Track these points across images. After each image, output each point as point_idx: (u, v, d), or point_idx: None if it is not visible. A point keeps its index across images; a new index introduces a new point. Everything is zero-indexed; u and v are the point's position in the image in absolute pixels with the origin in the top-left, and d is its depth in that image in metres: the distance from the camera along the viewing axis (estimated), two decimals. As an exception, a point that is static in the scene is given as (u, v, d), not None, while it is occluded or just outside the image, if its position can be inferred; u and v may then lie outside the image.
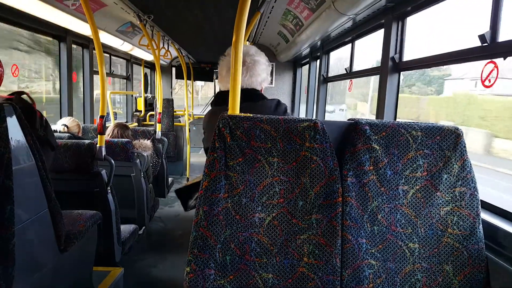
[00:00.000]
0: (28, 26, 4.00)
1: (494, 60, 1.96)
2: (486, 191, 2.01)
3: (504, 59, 1.92)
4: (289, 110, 2.25)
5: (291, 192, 1.51)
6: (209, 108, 2.25)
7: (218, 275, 1.46)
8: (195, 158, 9.19)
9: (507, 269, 1.50)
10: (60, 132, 3.80)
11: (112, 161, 3.19)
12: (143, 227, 4.19)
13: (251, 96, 2.08)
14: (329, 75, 5.19)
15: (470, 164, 1.57)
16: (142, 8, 4.44)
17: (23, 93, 2.13)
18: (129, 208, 4.04)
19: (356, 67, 4.15)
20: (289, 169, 1.51)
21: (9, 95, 2.09)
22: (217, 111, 1.91)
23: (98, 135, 3.23)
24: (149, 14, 4.63)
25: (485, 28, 2.00)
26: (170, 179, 6.01)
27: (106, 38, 5.22)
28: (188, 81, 8.25)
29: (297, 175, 1.51)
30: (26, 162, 1.86)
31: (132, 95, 8.30)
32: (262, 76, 2.14)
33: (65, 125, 3.89)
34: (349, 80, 4.43)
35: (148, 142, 4.57)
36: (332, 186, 1.49)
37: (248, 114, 1.55)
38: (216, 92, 2.19)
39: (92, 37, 3.36)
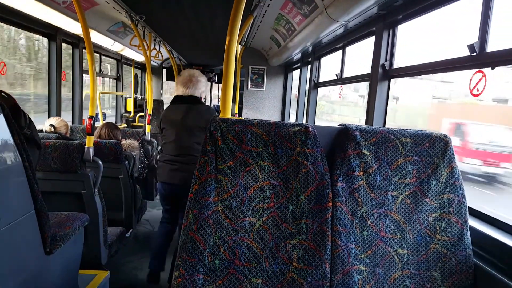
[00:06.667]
0: (18, 23, 3.95)
1: (482, 69, 1.99)
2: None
3: (492, 69, 1.94)
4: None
5: (281, 196, 1.51)
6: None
7: (207, 280, 1.45)
8: None
9: (494, 276, 1.52)
10: (46, 132, 3.74)
11: (100, 163, 3.16)
12: (130, 230, 4.15)
13: (193, 101, 3.31)
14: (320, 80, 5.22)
15: (459, 171, 1.58)
16: (134, 8, 4.42)
17: (1, 91, 2.10)
18: (116, 210, 4.00)
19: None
20: (280, 174, 1.51)
21: None
22: (172, 107, 3.36)
23: (87, 136, 3.20)
24: (141, 14, 4.61)
25: (474, 38, 2.02)
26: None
27: (97, 37, 5.19)
28: None
29: (288, 179, 1.51)
30: (12, 162, 1.83)
31: (121, 96, 8.25)
32: (202, 89, 3.37)
33: (52, 125, 3.83)
34: (339, 86, 4.46)
35: (135, 142, 4.54)
36: (322, 191, 1.50)
37: (240, 118, 1.55)
38: (175, 95, 3.39)
39: (82, 36, 3.33)
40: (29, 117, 2.19)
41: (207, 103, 12.20)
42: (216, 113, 3.34)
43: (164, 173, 3.33)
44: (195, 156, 3.23)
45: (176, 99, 3.34)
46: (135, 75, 8.67)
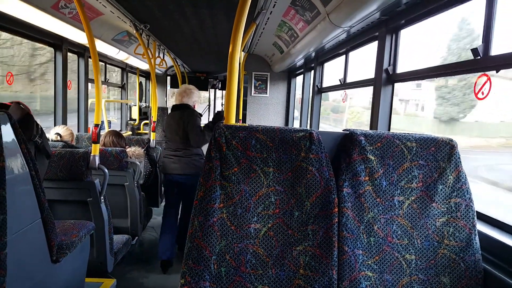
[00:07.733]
0: (25, 34, 3.99)
1: (486, 73, 1.99)
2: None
3: (497, 72, 1.94)
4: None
5: (286, 202, 1.50)
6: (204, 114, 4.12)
7: (213, 287, 1.45)
8: None
9: (504, 281, 1.50)
10: (53, 140, 3.77)
11: (106, 171, 3.17)
12: (136, 237, 4.15)
13: (183, 107, 4.13)
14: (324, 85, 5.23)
15: (465, 175, 1.58)
16: (139, 18, 4.46)
17: (19, 102, 2.14)
18: (122, 217, 4.01)
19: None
20: (284, 179, 1.51)
21: (1, 103, 2.10)
22: (171, 114, 4.21)
23: (92, 144, 3.22)
24: (145, 23, 4.65)
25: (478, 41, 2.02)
26: (163, 189, 5.97)
27: (102, 46, 5.23)
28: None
29: (293, 185, 1.51)
30: (19, 171, 1.84)
31: (126, 104, 8.29)
32: (194, 99, 4.25)
33: (58, 134, 3.86)
34: (343, 91, 4.46)
35: (141, 150, 4.56)
36: (328, 197, 1.49)
37: (244, 124, 1.55)
38: (173, 104, 4.26)
39: (88, 45, 3.36)
40: (41, 127, 2.23)
41: (210, 110, 12.31)
42: (199, 114, 4.23)
43: (167, 166, 4.18)
44: (188, 150, 4.08)
45: (173, 107, 4.24)
46: (140, 83, 8.72)
